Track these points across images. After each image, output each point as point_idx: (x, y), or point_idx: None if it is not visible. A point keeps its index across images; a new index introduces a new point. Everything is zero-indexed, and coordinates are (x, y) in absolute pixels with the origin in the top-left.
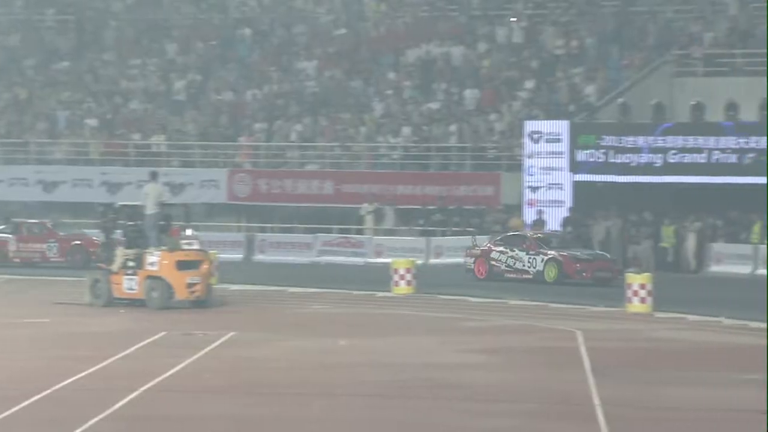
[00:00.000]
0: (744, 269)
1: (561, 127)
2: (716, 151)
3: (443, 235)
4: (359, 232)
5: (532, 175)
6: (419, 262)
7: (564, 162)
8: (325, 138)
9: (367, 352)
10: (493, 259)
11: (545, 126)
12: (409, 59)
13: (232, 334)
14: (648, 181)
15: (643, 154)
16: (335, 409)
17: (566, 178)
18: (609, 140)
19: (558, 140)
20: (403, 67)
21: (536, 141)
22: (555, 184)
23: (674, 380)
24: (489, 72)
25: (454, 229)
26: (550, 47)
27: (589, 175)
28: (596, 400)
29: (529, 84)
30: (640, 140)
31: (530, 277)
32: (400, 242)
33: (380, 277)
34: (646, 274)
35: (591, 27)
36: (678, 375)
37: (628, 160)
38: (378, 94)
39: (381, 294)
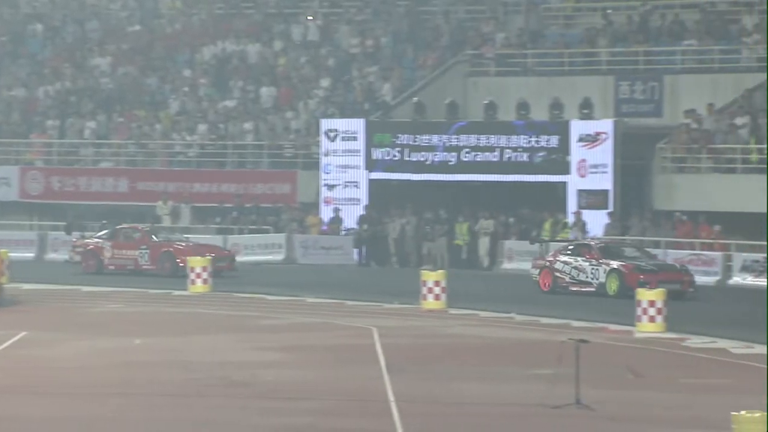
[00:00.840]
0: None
1: (357, 125)
2: (508, 150)
3: (240, 233)
4: None
5: (328, 173)
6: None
7: (360, 160)
8: (120, 135)
9: (162, 351)
10: (558, 270)
11: (341, 124)
12: (205, 56)
13: (23, 333)
14: (442, 179)
15: (437, 153)
16: (130, 408)
17: (362, 176)
18: (404, 138)
19: (354, 138)
20: (199, 64)
21: (332, 139)
22: (351, 182)
23: (467, 375)
24: (285, 70)
25: (251, 227)
26: (345, 46)
27: (384, 173)
28: (391, 396)
29: (325, 82)
30: (435, 138)
31: (593, 290)
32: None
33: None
34: (440, 271)
35: (386, 26)
36: (471, 370)
37: (423, 159)
38: (174, 92)
39: (177, 293)
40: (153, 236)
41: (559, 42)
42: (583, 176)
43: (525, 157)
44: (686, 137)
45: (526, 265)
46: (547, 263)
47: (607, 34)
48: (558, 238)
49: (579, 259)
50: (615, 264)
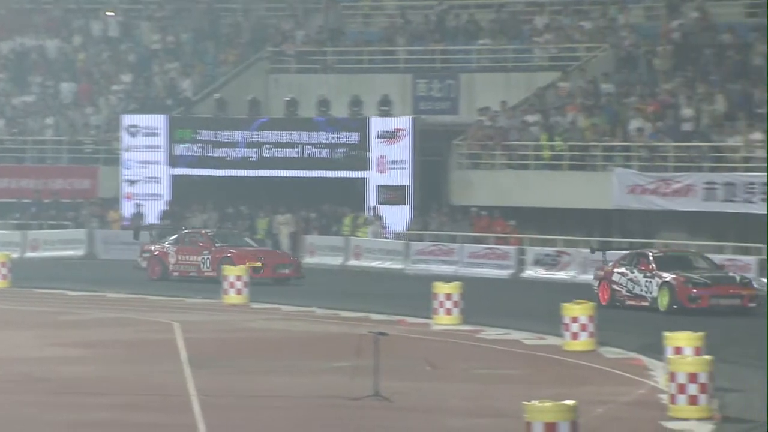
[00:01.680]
0: (336, 260)
1: (158, 121)
2: (309, 146)
3: (39, 229)
4: None
5: (129, 168)
6: (15, 255)
7: (162, 156)
8: None
9: None
10: (615, 283)
11: (142, 120)
12: (3, 51)
13: None
14: (244, 174)
15: (239, 149)
16: None
17: (164, 172)
18: (206, 134)
19: (155, 134)
20: None
21: (134, 135)
22: (153, 177)
23: (269, 369)
24: (85, 65)
25: (50, 222)
26: (146, 42)
27: (186, 169)
28: (192, 391)
29: (126, 78)
30: (237, 135)
31: (647, 304)
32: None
33: None
34: (242, 266)
35: (186, 23)
36: (272, 364)
37: (224, 155)
38: None
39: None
40: (216, 241)
41: (359, 40)
42: (382, 172)
43: (325, 153)
44: (481, 134)
45: (327, 260)
46: (606, 275)
47: (405, 32)
48: (613, 250)
49: (635, 270)
50: (667, 276)
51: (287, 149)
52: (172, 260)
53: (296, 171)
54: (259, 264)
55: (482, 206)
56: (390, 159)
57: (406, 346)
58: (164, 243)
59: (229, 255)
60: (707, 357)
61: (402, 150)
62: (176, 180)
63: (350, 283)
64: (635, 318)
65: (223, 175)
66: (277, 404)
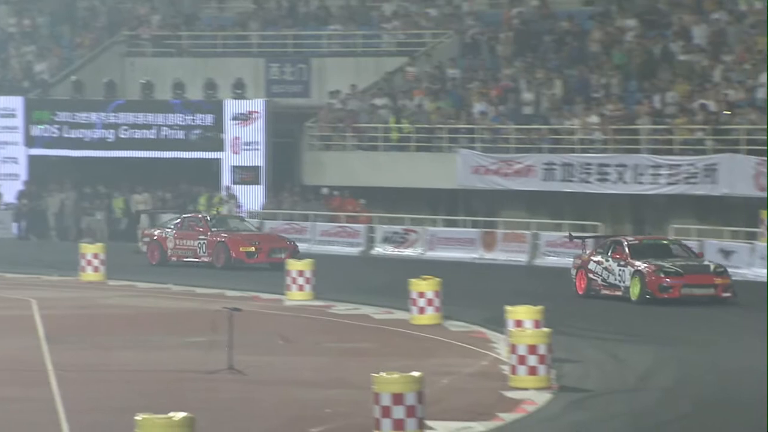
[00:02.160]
0: None
1: (15, 102)
2: (165, 128)
3: None
4: None
5: None
6: None
7: (19, 136)
8: None
9: None
10: (591, 271)
11: None
12: None
13: None
14: (101, 155)
15: (96, 130)
16: None
17: (21, 153)
18: (63, 116)
19: (12, 115)
20: None
21: None
22: (10, 158)
23: (125, 344)
24: None
25: None
26: (2, 25)
27: (44, 150)
28: (49, 366)
29: None
30: (94, 116)
31: (620, 293)
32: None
33: None
34: (100, 244)
35: (43, 6)
36: (129, 339)
37: (81, 135)
38: None
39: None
40: (214, 225)
41: (213, 25)
42: (236, 153)
43: (181, 134)
44: (332, 116)
45: None
46: (583, 263)
47: (258, 18)
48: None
49: (609, 258)
50: (639, 265)
51: (144, 130)
52: (170, 245)
53: (152, 152)
54: (252, 249)
55: (333, 186)
56: (244, 140)
57: (260, 322)
58: (165, 227)
59: (222, 239)
60: (546, 330)
61: (255, 132)
62: (34, 160)
63: None
64: (480, 292)
65: (81, 155)
66: (132, 378)
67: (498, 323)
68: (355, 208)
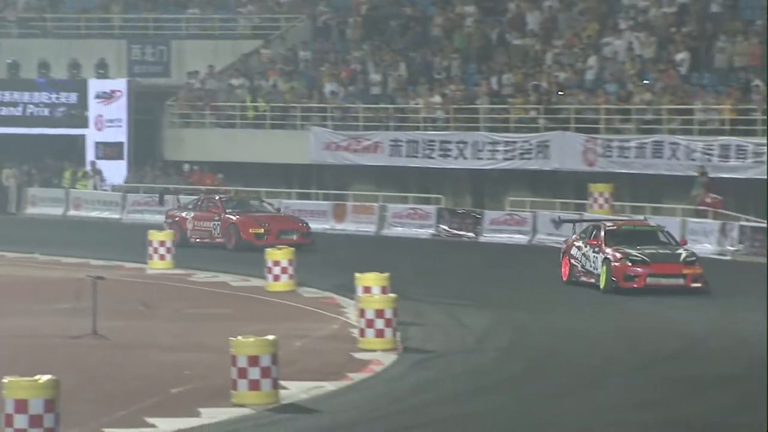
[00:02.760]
0: (57, 211)
1: None
2: (31, 105)
3: None
4: None
5: None
6: None
7: None
8: None
9: None
10: (573, 257)
11: None
12: None
13: None
14: None
15: None
16: None
17: None
18: None
19: None
20: None
21: None
22: None
23: None
24: None
25: None
26: None
27: None
28: None
29: None
30: None
31: (594, 281)
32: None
33: None
34: None
35: None
36: None
37: None
38: None
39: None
40: (228, 207)
41: (77, 7)
42: (100, 130)
43: (46, 112)
44: (191, 96)
45: (49, 210)
46: (567, 248)
47: (120, 1)
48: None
49: (588, 245)
50: (609, 252)
51: (10, 108)
52: (189, 226)
53: (19, 128)
54: (261, 230)
55: (193, 161)
56: (107, 118)
57: (123, 289)
58: (186, 208)
59: (233, 221)
60: (392, 295)
61: (118, 109)
62: None
63: (71, 231)
64: (331, 261)
65: None
66: (12, 343)
67: (348, 290)
68: (213, 182)
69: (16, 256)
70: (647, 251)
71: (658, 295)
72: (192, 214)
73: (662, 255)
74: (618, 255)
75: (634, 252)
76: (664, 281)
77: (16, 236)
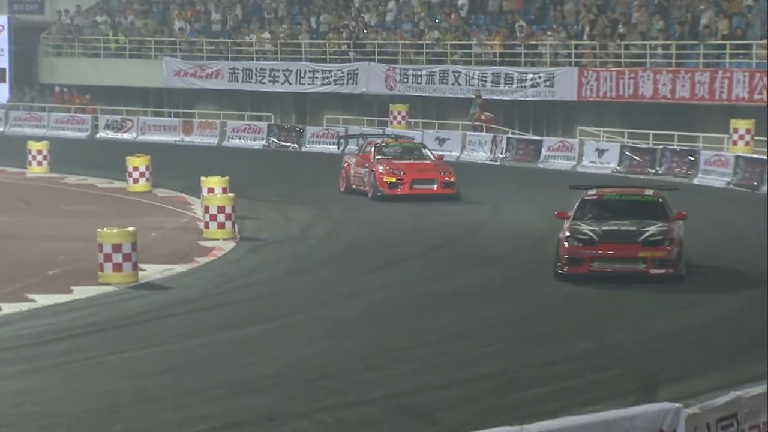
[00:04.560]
0: None
1: None
2: None
3: None
4: None
5: None
6: None
7: None
8: None
9: None
10: (349, 171)
11: None
12: None
13: None
14: None
15: None
16: None
17: None
18: None
19: None
20: None
21: None
22: None
23: None
24: None
25: None
26: None
27: None
28: None
29: None
30: None
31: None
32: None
33: None
34: None
35: None
36: None
37: None
38: None
39: None
40: (379, 153)
41: None
42: None
43: None
44: (62, 29)
45: None
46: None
47: None
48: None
49: (362, 158)
50: (376, 165)
51: None
52: (351, 172)
53: None
54: (394, 179)
55: (64, 84)
56: None
57: (6, 189)
58: (354, 154)
59: (374, 169)
60: (231, 195)
61: (2, 41)
62: None
63: None
64: (181, 167)
65: None
66: None
67: (195, 190)
68: (82, 101)
69: None
70: (605, 227)
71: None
72: (353, 159)
73: (616, 233)
74: (567, 233)
75: (585, 228)
76: (618, 266)
77: None
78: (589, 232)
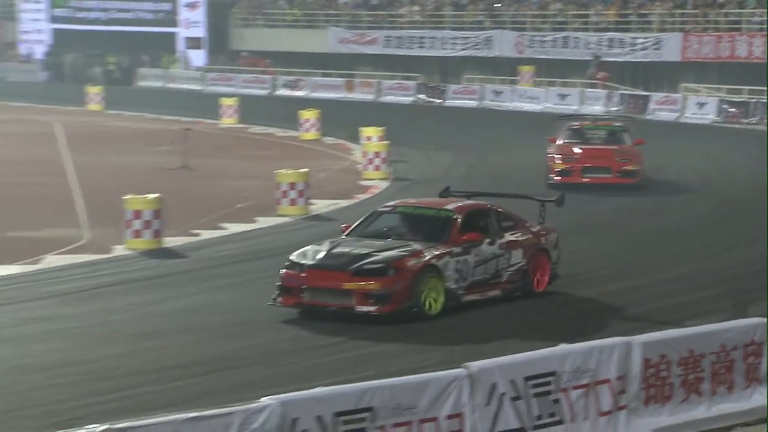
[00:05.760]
0: (158, 84)
1: None
2: (139, 11)
3: None
4: None
5: None
6: None
7: (43, 15)
8: None
9: None
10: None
11: None
12: None
13: None
14: (96, 29)
15: (92, 12)
16: None
17: (45, 27)
18: (74, 2)
19: (38, 1)
20: None
21: None
22: (37, 30)
23: (116, 150)
24: None
25: None
26: None
27: (61, 25)
28: (66, 163)
29: None
30: (100, 4)
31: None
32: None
33: None
34: (99, 86)
35: None
36: (118, 147)
37: (85, 15)
38: None
39: None
40: (571, 137)
41: None
42: (187, 28)
43: (150, 16)
44: (249, 4)
45: (152, 83)
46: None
47: None
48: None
49: None
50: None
51: (124, 13)
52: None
53: (129, 27)
54: (564, 166)
55: (250, 50)
56: (192, 20)
57: (203, 138)
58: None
59: (550, 153)
60: (386, 142)
61: (199, 14)
62: (55, 32)
63: (167, 98)
64: (343, 119)
65: (86, 29)
66: (120, 172)
67: (355, 138)
68: (263, 64)
69: (132, 114)
70: (337, 251)
71: None
72: (560, 143)
73: (332, 259)
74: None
75: (309, 253)
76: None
77: (129, 101)
78: (310, 259)
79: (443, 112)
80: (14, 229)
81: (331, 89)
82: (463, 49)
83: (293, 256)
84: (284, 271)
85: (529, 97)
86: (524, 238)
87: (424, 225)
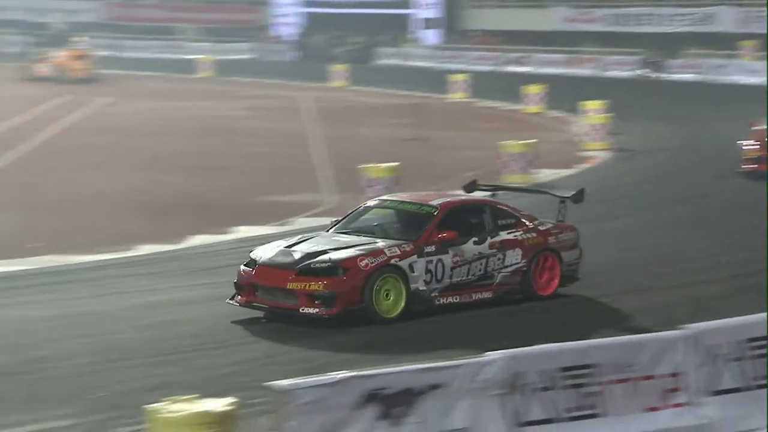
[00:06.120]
0: (394, 62)
1: None
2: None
3: None
4: None
5: None
6: None
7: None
8: None
9: None
10: None
11: None
12: None
13: None
14: (358, 12)
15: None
16: None
17: (293, 10)
18: None
19: None
20: None
21: None
22: (287, 14)
23: (359, 123)
24: None
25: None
26: None
27: (309, 8)
28: (308, 135)
29: None
30: None
31: None
32: None
33: None
34: (343, 65)
35: None
36: (357, 120)
37: None
38: None
39: None
40: None
41: None
42: (424, 9)
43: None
44: None
45: (389, 61)
46: None
47: None
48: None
49: None
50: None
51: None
52: None
53: (367, 9)
54: (755, 154)
55: (480, 29)
56: (428, 2)
57: (434, 111)
58: None
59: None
60: (608, 114)
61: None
62: (306, 15)
63: (400, 74)
64: (571, 95)
65: (329, 12)
66: (352, 144)
67: (577, 111)
68: (492, 42)
69: (368, 90)
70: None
71: None
72: None
73: (279, 257)
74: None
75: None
76: (265, 300)
77: (368, 78)
78: (260, 253)
79: (663, 86)
80: (265, 194)
81: (555, 65)
82: (684, 25)
83: (253, 252)
84: (241, 267)
85: (751, 71)
86: (525, 237)
87: (405, 221)
